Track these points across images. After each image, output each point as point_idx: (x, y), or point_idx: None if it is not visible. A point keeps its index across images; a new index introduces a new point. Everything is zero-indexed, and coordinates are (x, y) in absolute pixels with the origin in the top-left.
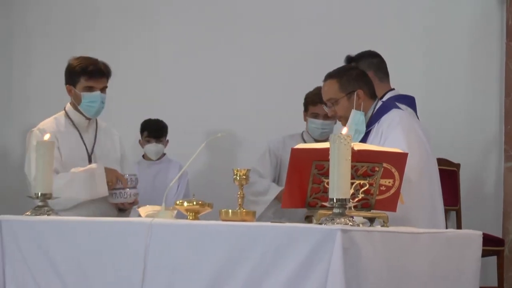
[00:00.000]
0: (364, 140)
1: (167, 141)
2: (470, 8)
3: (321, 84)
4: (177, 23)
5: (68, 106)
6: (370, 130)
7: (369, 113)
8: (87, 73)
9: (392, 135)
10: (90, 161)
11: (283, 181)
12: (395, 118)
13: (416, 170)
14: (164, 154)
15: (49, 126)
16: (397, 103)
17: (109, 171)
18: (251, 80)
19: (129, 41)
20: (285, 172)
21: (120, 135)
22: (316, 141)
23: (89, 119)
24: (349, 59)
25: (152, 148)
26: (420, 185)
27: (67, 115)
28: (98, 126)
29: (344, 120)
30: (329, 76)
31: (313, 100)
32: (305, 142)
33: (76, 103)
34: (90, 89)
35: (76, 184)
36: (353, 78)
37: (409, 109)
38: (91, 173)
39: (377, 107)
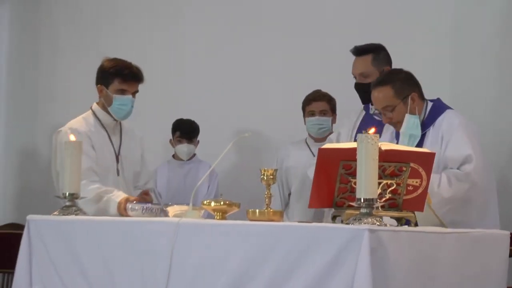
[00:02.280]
0: (420, 144)
1: (198, 141)
2: (497, 9)
3: (347, 83)
4: (203, 21)
5: (95, 106)
6: (425, 133)
7: (421, 116)
8: (121, 76)
9: (454, 137)
10: (117, 162)
11: (290, 187)
12: (454, 119)
13: (482, 174)
14: (194, 154)
15: (80, 126)
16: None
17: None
18: (278, 79)
19: (155, 40)
20: (291, 178)
21: (144, 135)
22: (316, 141)
23: (116, 120)
24: (361, 50)
25: (184, 148)
26: (485, 188)
27: (95, 115)
28: (122, 127)
29: (400, 125)
30: (381, 83)
31: (307, 99)
32: (308, 146)
33: (106, 104)
34: (122, 92)
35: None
36: (405, 82)
37: None
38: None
39: (428, 108)
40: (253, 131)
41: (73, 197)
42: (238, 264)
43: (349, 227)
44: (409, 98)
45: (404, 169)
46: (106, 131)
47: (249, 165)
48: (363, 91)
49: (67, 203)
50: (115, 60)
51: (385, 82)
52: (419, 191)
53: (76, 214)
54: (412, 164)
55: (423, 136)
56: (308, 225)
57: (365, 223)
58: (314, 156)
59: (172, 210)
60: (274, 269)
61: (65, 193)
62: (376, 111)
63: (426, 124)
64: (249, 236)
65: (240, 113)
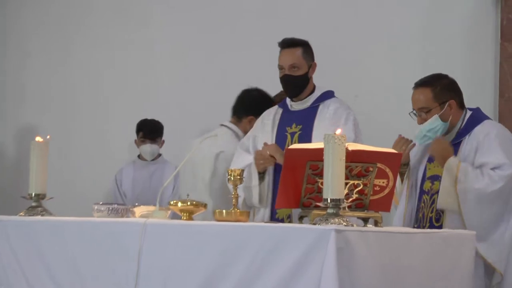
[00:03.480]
0: (455, 152)
1: (163, 141)
2: (465, 9)
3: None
4: (172, 22)
5: None
6: (461, 141)
7: (458, 124)
8: None
9: (489, 146)
10: None
11: None
12: (492, 129)
13: None
14: (160, 155)
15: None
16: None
17: None
18: (246, 80)
19: (124, 41)
20: None
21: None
22: None
23: None
24: (292, 42)
25: (147, 148)
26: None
27: None
28: None
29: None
30: (422, 84)
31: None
32: None
33: None
34: None
35: None
36: (446, 88)
37: None
38: None
39: (466, 117)
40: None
41: (39, 197)
42: (207, 264)
43: (316, 227)
44: (447, 104)
45: (371, 169)
46: None
47: None
48: (292, 83)
49: (33, 204)
50: None
51: (427, 84)
52: (386, 191)
53: (42, 215)
54: (379, 165)
55: (458, 144)
56: (276, 225)
57: (332, 223)
58: None
59: (138, 210)
60: (243, 269)
61: (31, 194)
62: (413, 111)
63: (462, 133)
64: (218, 236)
65: (207, 114)
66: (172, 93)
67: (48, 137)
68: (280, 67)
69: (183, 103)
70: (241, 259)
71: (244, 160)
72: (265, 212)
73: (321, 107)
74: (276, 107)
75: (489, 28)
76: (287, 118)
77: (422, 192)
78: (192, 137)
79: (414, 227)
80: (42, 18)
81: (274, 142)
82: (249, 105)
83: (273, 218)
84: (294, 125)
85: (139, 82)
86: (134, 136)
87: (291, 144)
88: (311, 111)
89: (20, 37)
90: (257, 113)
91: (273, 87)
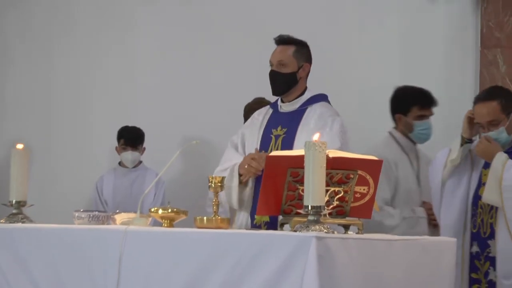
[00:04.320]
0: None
1: (144, 148)
2: (445, 15)
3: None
4: (153, 29)
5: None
6: None
7: None
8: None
9: None
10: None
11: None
12: None
13: None
14: (140, 162)
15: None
16: None
17: None
18: (227, 87)
19: (105, 48)
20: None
21: (91, 142)
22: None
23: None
24: (285, 40)
25: (128, 156)
26: None
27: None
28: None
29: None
30: (487, 97)
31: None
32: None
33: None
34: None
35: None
36: (509, 99)
37: None
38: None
39: None
40: (200, 138)
41: (20, 204)
42: (189, 271)
43: (297, 234)
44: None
45: (352, 176)
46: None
47: (198, 173)
48: (277, 80)
49: (14, 211)
50: None
51: (492, 97)
52: (367, 198)
53: (23, 222)
54: (359, 172)
55: None
56: (257, 232)
57: (312, 231)
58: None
59: (119, 217)
60: (224, 277)
61: (12, 201)
62: (478, 125)
63: None
64: (199, 243)
65: (187, 120)
66: (153, 100)
67: (21, 145)
68: (270, 63)
69: (165, 110)
70: (222, 267)
71: (232, 158)
72: (244, 217)
73: (308, 110)
74: (268, 106)
75: (469, 35)
76: (274, 119)
77: (477, 197)
78: (174, 144)
79: (472, 232)
80: (23, 27)
81: (259, 142)
82: (392, 104)
83: (252, 224)
84: (279, 128)
85: (121, 88)
86: (113, 142)
87: (275, 147)
88: (298, 114)
89: (2, 46)
90: (401, 110)
91: (258, 93)
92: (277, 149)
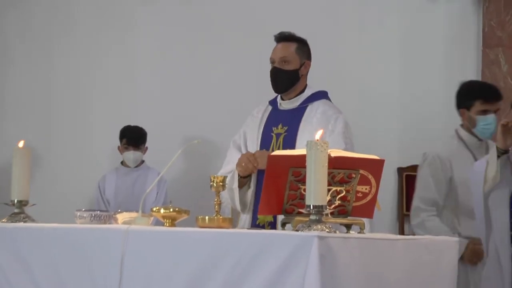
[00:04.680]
0: None
1: (146, 148)
2: (446, 14)
3: None
4: (154, 29)
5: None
6: None
7: None
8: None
9: None
10: None
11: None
12: None
13: None
14: (143, 161)
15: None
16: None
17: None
18: (227, 87)
19: (106, 48)
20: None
21: (92, 141)
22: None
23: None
24: (287, 36)
25: (130, 155)
26: None
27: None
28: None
29: None
30: None
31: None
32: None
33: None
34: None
35: None
36: None
37: None
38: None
39: None
40: (202, 137)
41: (22, 204)
42: (190, 271)
43: (298, 234)
44: None
45: (354, 176)
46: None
47: (200, 172)
48: (280, 77)
49: (16, 210)
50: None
51: None
52: (369, 197)
53: (25, 221)
54: (361, 171)
55: None
56: (258, 231)
57: (314, 230)
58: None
59: (121, 217)
60: (226, 276)
61: (14, 200)
62: None
63: None
64: (200, 243)
65: (189, 119)
66: (154, 100)
67: (22, 142)
68: (271, 61)
69: (166, 109)
70: (223, 266)
71: (234, 160)
72: (247, 218)
73: (309, 108)
74: (267, 103)
75: (471, 34)
76: (274, 117)
77: None
78: (175, 143)
79: None
80: (24, 26)
81: (259, 141)
82: (456, 99)
83: (254, 224)
84: (280, 126)
85: (122, 88)
86: (115, 142)
87: (276, 145)
88: (298, 112)
89: (2, 46)
90: (465, 105)
91: (259, 92)
92: (278, 148)
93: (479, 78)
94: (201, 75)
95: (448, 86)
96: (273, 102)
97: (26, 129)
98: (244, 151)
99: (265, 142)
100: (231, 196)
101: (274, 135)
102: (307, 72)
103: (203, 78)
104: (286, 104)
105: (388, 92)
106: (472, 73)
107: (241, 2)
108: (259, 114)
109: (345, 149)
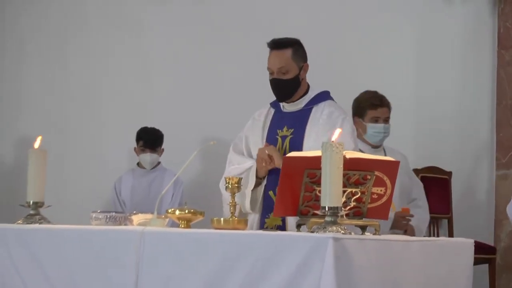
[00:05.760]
0: None
1: (163, 150)
2: (462, 16)
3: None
4: (168, 29)
5: None
6: None
7: None
8: None
9: None
10: None
11: None
12: None
13: None
14: (159, 163)
15: None
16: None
17: None
18: (244, 86)
19: (120, 48)
20: None
21: (108, 143)
22: (373, 147)
23: None
24: (280, 43)
25: (147, 158)
26: None
27: None
28: None
29: None
30: None
31: (372, 104)
32: (361, 151)
33: None
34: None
35: None
36: None
37: None
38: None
39: None
40: (218, 138)
41: (37, 205)
42: (206, 273)
43: (314, 235)
44: None
45: (369, 177)
46: None
47: (215, 174)
48: (281, 87)
49: (31, 212)
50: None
51: None
52: (384, 199)
53: (40, 223)
54: (376, 173)
55: None
56: (273, 233)
57: (329, 232)
58: None
59: (136, 218)
60: (242, 278)
61: (29, 202)
62: None
63: None
64: (216, 244)
65: (205, 120)
66: (169, 100)
67: (39, 138)
68: (270, 71)
69: (181, 109)
70: (240, 268)
71: (240, 161)
72: (255, 218)
73: (314, 110)
74: (268, 106)
75: (486, 36)
76: (278, 119)
77: None
78: (191, 144)
79: None
80: (39, 26)
81: (263, 144)
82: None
83: (262, 227)
84: (285, 128)
85: (136, 89)
86: (130, 143)
87: (282, 148)
88: (304, 114)
89: (17, 45)
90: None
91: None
92: (284, 150)
93: (494, 80)
94: (215, 75)
95: (463, 88)
96: (275, 105)
97: (41, 130)
98: (247, 156)
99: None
100: (241, 198)
101: (279, 138)
102: (306, 73)
103: (217, 79)
104: (290, 107)
105: (404, 94)
106: (487, 75)
107: (254, 2)
108: (261, 117)
109: (354, 149)
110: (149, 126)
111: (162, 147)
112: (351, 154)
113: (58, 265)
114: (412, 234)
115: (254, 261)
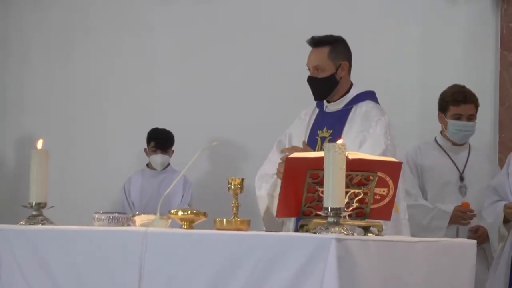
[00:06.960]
0: None
1: (173, 151)
2: (465, 17)
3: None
4: (174, 29)
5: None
6: None
7: None
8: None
9: None
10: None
11: (423, 191)
12: None
13: None
14: (169, 164)
15: None
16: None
17: None
18: (250, 87)
19: (127, 49)
20: (428, 179)
21: (116, 144)
22: (454, 144)
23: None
24: (318, 41)
25: (158, 159)
26: None
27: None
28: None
29: None
30: None
31: (455, 100)
32: (440, 146)
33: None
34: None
35: None
36: None
37: None
38: None
39: None
40: (226, 140)
41: (40, 206)
42: (209, 273)
43: (316, 236)
44: None
45: (371, 178)
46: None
47: (224, 174)
48: (317, 86)
49: (34, 212)
50: None
51: None
52: (386, 200)
53: (43, 224)
54: (379, 173)
55: None
56: (276, 234)
57: (332, 232)
58: (454, 165)
59: (139, 219)
60: (245, 278)
61: (32, 203)
62: None
63: None
64: (219, 245)
65: (211, 121)
66: (174, 101)
67: (41, 141)
68: (307, 68)
69: (186, 110)
70: (242, 268)
71: (275, 159)
72: (291, 223)
73: (353, 110)
74: (314, 106)
75: (489, 37)
76: (321, 120)
77: None
78: (199, 145)
79: None
80: (43, 26)
81: (306, 141)
82: None
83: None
84: (325, 129)
85: (141, 89)
86: (135, 143)
87: (320, 149)
88: (343, 114)
89: (21, 45)
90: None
91: (281, 92)
92: None
93: (497, 81)
94: (220, 75)
95: None
96: (319, 105)
97: (45, 130)
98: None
99: (311, 146)
100: (270, 201)
101: (319, 139)
102: (348, 71)
103: (222, 79)
104: (332, 106)
105: (407, 93)
106: (490, 75)
107: (260, 2)
108: (306, 117)
109: (385, 150)
110: (153, 126)
111: (173, 148)
112: (353, 155)
113: (62, 266)
114: (484, 237)
115: (256, 262)
